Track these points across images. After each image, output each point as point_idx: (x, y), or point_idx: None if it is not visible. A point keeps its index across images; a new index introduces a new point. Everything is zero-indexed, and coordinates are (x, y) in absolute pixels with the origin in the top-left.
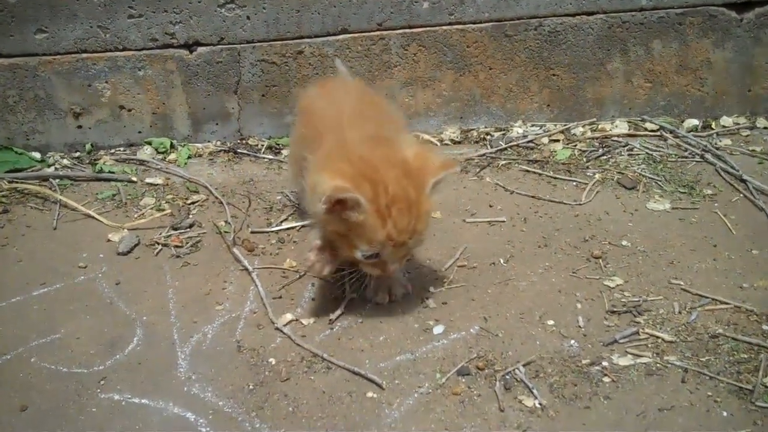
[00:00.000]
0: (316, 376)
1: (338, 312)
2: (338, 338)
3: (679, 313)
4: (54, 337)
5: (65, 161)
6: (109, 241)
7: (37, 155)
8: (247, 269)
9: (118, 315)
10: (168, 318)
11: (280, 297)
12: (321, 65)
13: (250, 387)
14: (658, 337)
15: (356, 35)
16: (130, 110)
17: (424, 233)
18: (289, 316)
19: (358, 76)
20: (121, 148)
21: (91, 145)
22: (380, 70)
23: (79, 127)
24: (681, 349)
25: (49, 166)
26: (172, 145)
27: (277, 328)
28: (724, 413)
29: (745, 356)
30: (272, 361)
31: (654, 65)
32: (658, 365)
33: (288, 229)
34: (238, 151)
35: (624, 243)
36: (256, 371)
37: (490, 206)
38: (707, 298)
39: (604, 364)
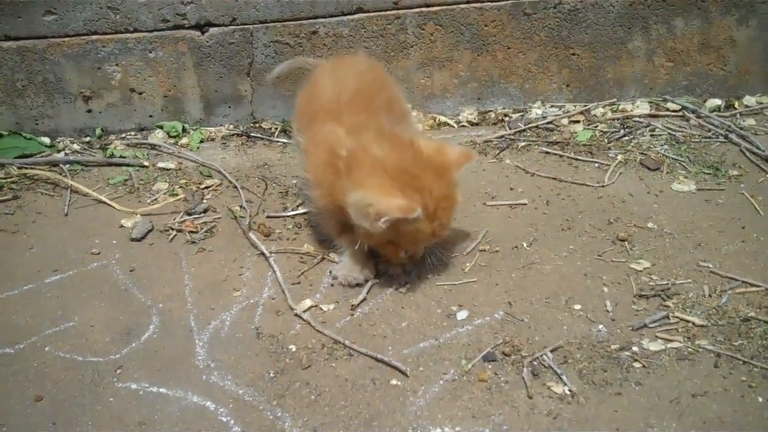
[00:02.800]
0: (337, 364)
1: (361, 297)
2: (359, 324)
3: (709, 296)
4: (68, 325)
5: (75, 146)
6: (121, 227)
7: (46, 140)
8: (264, 254)
9: (133, 302)
10: (184, 305)
11: (299, 282)
12: (336, 45)
13: (271, 375)
14: (688, 321)
15: (372, 14)
16: (140, 93)
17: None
18: (308, 302)
19: (373, 56)
20: (132, 133)
21: (102, 129)
22: (396, 50)
23: (89, 111)
24: (712, 333)
25: (58, 151)
26: (184, 129)
27: (296, 315)
28: (759, 398)
29: None
30: (292, 348)
31: (676, 43)
32: (689, 350)
33: (304, 213)
34: (252, 134)
35: (650, 225)
36: (276, 359)
37: (511, 189)
38: (737, 280)
39: (634, 349)
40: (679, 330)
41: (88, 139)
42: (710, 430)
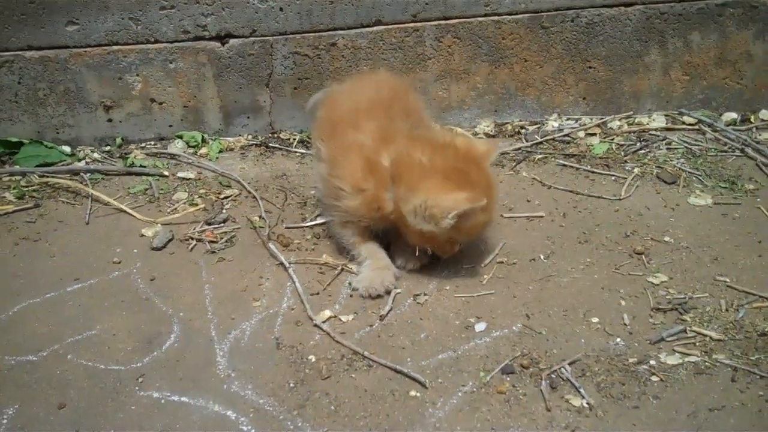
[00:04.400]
0: (357, 374)
1: (387, 308)
2: (378, 336)
3: (726, 310)
4: (90, 333)
5: (95, 155)
6: (142, 236)
7: (67, 149)
8: (283, 264)
9: (154, 311)
10: (205, 314)
11: (318, 293)
12: (354, 57)
13: (291, 385)
14: (705, 335)
15: (390, 27)
16: (161, 103)
17: None
18: (327, 313)
19: (391, 68)
20: (152, 142)
21: (122, 138)
22: (414, 62)
23: (110, 120)
24: (730, 347)
25: (79, 160)
26: (203, 139)
27: (315, 325)
28: None
29: None
30: (312, 358)
31: (692, 57)
32: (707, 364)
33: (323, 224)
34: (270, 145)
35: (666, 239)
36: (296, 369)
37: (528, 201)
38: (754, 295)
39: (652, 362)
40: (697, 344)
41: (108, 148)
42: None
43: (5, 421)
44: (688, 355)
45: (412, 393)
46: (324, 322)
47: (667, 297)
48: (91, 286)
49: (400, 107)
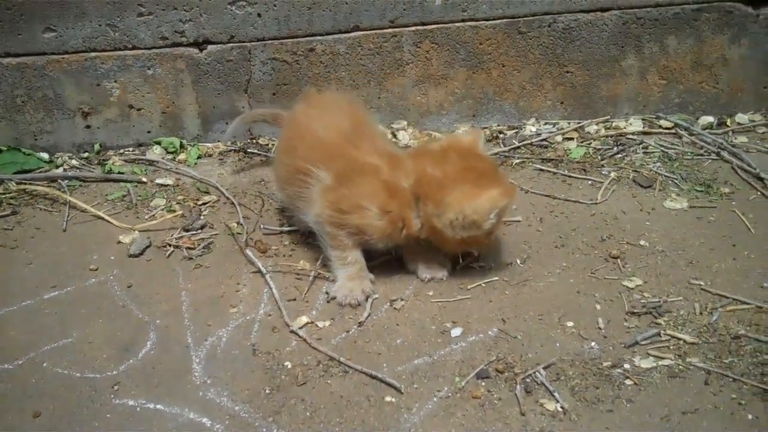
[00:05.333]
0: (333, 380)
1: (366, 314)
2: (355, 341)
3: (700, 313)
4: (66, 341)
5: (74, 162)
6: (119, 242)
7: (45, 156)
8: (260, 271)
9: (130, 318)
10: (182, 321)
11: (295, 299)
12: (332, 63)
13: (267, 391)
14: (679, 339)
15: (368, 32)
16: (139, 110)
17: None
18: (304, 319)
19: (369, 73)
20: (130, 148)
21: (100, 145)
22: (392, 67)
23: (88, 127)
24: (703, 350)
25: (57, 167)
26: (181, 145)
27: (292, 331)
28: (749, 416)
29: None
30: (288, 364)
31: (669, 62)
32: (680, 367)
33: (299, 230)
34: (249, 150)
35: (642, 242)
36: (272, 375)
37: None
38: (728, 298)
39: (626, 366)
40: (671, 347)
41: (86, 154)
42: None
43: None
44: (662, 358)
45: (388, 398)
46: (301, 328)
47: (642, 301)
48: (67, 293)
49: (376, 130)
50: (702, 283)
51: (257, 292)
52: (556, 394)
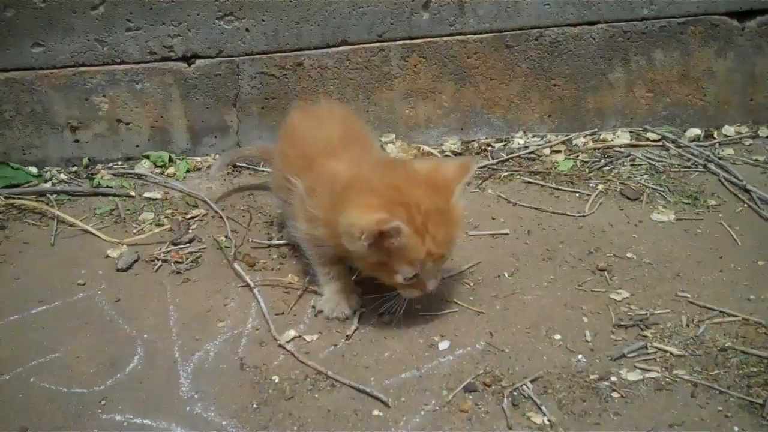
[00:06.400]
0: (320, 394)
1: (353, 327)
2: (342, 355)
3: (687, 326)
4: (53, 356)
5: (62, 176)
6: (107, 257)
7: (33, 170)
8: (248, 285)
9: (118, 333)
10: (169, 336)
11: (283, 313)
12: (321, 77)
13: (254, 406)
14: (666, 351)
15: (356, 47)
16: (127, 124)
17: (457, 241)
18: (292, 333)
19: (358, 87)
20: (119, 162)
21: (89, 159)
22: (380, 81)
23: (76, 141)
24: (690, 363)
25: (46, 181)
26: (170, 159)
27: (280, 345)
28: (736, 428)
29: (755, 369)
30: (276, 379)
31: (656, 75)
32: (667, 380)
33: (288, 244)
34: (237, 164)
35: (629, 255)
36: (259, 389)
37: (493, 219)
38: (715, 310)
39: (613, 379)
40: (657, 360)
41: (75, 168)
42: None
43: None
44: (649, 371)
45: (375, 412)
46: (288, 342)
47: (629, 313)
48: (55, 308)
49: (368, 140)
50: (689, 296)
51: (245, 306)
52: (543, 408)
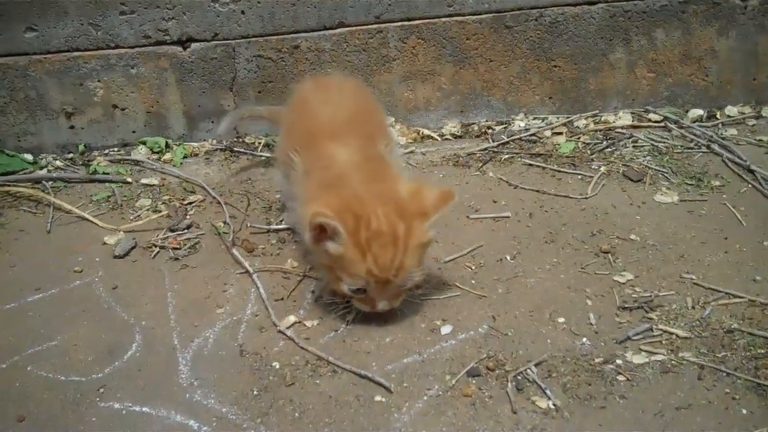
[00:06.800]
0: (321, 380)
1: (354, 313)
2: (343, 340)
3: (693, 308)
4: (50, 344)
5: (58, 163)
6: (104, 244)
7: (29, 157)
8: (247, 271)
9: (116, 320)
10: (168, 323)
11: (282, 299)
12: (318, 60)
13: (255, 392)
14: (672, 333)
15: (353, 28)
16: (123, 109)
17: (414, 271)
18: (292, 319)
19: (355, 70)
20: (115, 149)
21: (84, 145)
22: (378, 64)
23: (72, 127)
24: (696, 345)
25: (41, 168)
26: (167, 145)
27: (280, 331)
28: (744, 411)
29: (762, 351)
30: (276, 365)
31: (657, 55)
32: (673, 362)
33: (288, 229)
34: (235, 149)
35: (633, 237)
36: (259, 376)
37: (494, 201)
38: (721, 292)
39: (618, 362)
40: (663, 342)
41: (71, 155)
42: None
43: None
44: (655, 353)
45: (377, 398)
46: (288, 327)
47: (633, 295)
48: (52, 296)
49: (375, 122)
50: (694, 277)
51: (244, 292)
52: (547, 392)
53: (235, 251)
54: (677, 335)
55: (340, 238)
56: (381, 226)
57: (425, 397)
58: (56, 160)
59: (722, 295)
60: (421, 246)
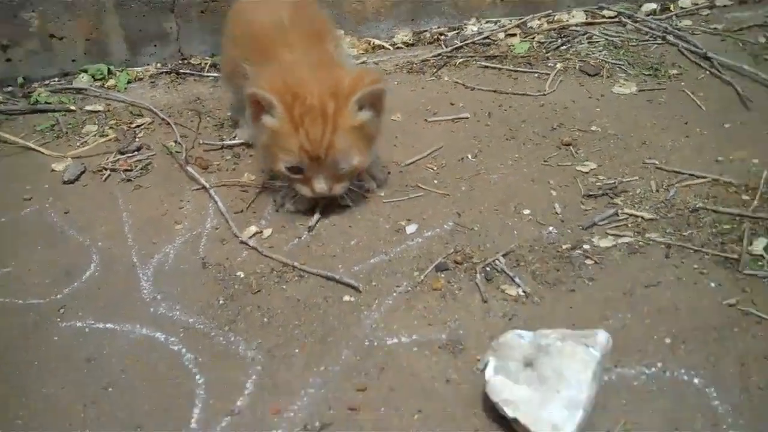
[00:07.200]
0: (288, 286)
1: (316, 218)
2: (308, 246)
3: (657, 191)
4: (4, 270)
5: None
6: (53, 170)
7: None
8: (204, 186)
9: (71, 243)
10: (125, 242)
11: (242, 211)
12: None
13: (221, 302)
14: (637, 216)
15: None
16: (61, 39)
17: (349, 154)
18: (253, 229)
19: None
20: (56, 79)
21: (24, 78)
22: None
23: (8, 60)
24: (662, 225)
25: None
26: (110, 71)
27: (242, 242)
28: (712, 284)
29: (728, 227)
30: (240, 274)
31: None
32: (640, 243)
33: (242, 144)
34: (181, 71)
35: (593, 128)
36: (224, 286)
37: (452, 104)
38: (684, 174)
39: (585, 247)
40: (629, 225)
41: (10, 88)
42: (666, 318)
43: None
44: (621, 236)
45: (346, 298)
46: (250, 237)
47: (597, 183)
48: (2, 224)
49: (323, 25)
50: (657, 162)
51: (202, 207)
52: (517, 280)
53: (189, 168)
54: (643, 218)
55: (276, 112)
56: (315, 103)
57: (394, 294)
58: None
59: (686, 177)
60: (353, 129)
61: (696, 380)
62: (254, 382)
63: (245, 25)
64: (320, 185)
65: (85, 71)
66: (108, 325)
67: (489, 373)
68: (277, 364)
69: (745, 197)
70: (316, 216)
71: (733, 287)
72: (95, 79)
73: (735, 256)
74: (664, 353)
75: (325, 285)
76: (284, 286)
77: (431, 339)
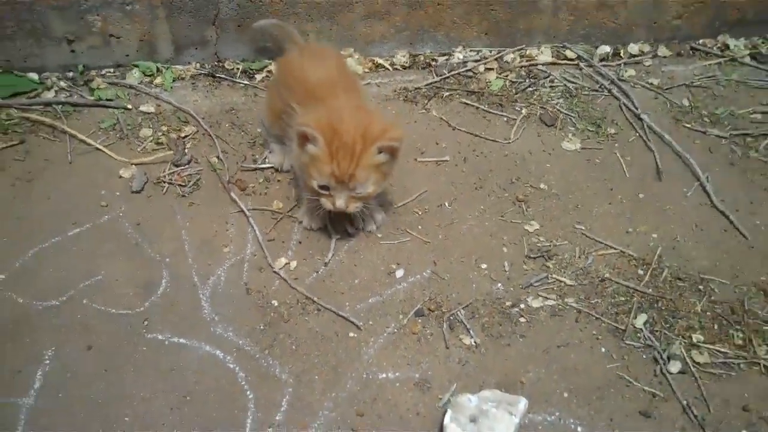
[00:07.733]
0: (310, 318)
1: (330, 254)
2: (323, 281)
3: (579, 257)
4: (96, 278)
5: (62, 83)
6: (120, 177)
7: (35, 77)
8: (244, 212)
9: (145, 256)
10: (186, 260)
11: (273, 239)
12: (291, 1)
13: (261, 327)
14: (561, 281)
15: None
16: (118, 38)
17: (365, 184)
18: (283, 261)
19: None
20: (111, 70)
21: (83, 66)
22: (343, 6)
23: (72, 51)
24: (577, 292)
25: (48, 88)
26: (157, 69)
27: (275, 272)
28: (603, 349)
29: (623, 299)
30: (275, 302)
31: (578, 2)
32: (560, 306)
33: (271, 168)
34: (216, 75)
35: (542, 185)
36: (263, 312)
37: (437, 144)
38: (601, 243)
39: (522, 306)
40: (555, 289)
41: (71, 74)
42: (568, 376)
43: (47, 361)
44: (548, 299)
45: (351, 334)
46: (281, 268)
47: (538, 244)
48: (87, 230)
49: (355, 83)
50: (583, 228)
51: (243, 231)
52: (471, 331)
53: (232, 194)
54: (565, 283)
55: (318, 143)
56: (348, 142)
57: (385, 334)
58: (60, 80)
59: (602, 246)
60: (371, 166)
61: (579, 429)
62: (287, 401)
63: (300, 75)
64: (340, 202)
65: (137, 66)
66: (182, 340)
67: (447, 420)
68: (303, 388)
69: (640, 271)
70: (331, 253)
71: (617, 354)
72: (145, 75)
73: (623, 326)
74: (561, 405)
75: (336, 320)
76: (307, 318)
77: (409, 377)
